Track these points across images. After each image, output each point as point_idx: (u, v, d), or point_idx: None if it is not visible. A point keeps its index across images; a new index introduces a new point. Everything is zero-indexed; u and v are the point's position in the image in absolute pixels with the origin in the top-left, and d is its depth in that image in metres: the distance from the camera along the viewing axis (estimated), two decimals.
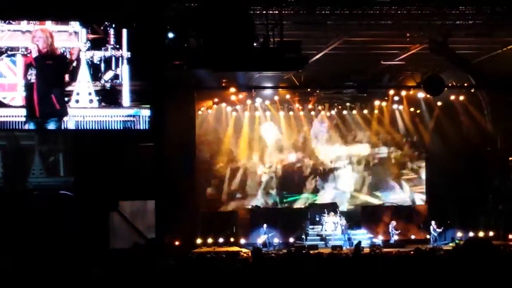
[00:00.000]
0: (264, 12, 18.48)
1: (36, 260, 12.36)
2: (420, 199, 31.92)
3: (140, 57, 16.02)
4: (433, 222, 28.54)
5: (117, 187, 16.48)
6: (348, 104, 31.08)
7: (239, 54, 16.33)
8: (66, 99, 15.86)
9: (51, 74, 15.73)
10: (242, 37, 16.00)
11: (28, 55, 15.66)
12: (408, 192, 32.05)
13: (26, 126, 15.96)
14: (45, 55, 15.54)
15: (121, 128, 16.09)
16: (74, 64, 15.91)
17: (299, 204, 31.55)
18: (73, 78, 15.95)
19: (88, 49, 15.91)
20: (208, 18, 15.98)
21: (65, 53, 15.87)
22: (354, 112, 31.30)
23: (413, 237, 29.53)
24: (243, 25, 15.97)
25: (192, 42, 16.59)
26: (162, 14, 16.88)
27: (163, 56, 16.49)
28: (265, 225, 28.38)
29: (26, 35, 15.92)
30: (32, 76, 15.62)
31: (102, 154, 16.45)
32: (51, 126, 15.82)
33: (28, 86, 15.63)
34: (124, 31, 16.04)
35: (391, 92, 30.07)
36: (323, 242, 27.89)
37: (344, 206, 31.11)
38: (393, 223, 28.93)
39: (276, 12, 18.53)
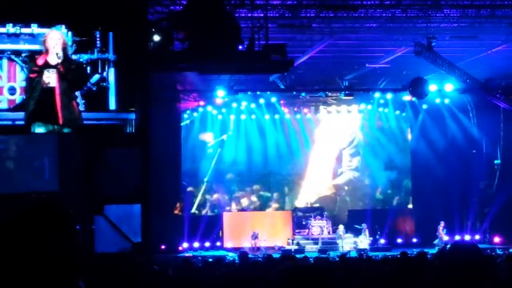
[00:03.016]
0: (249, 15, 18.48)
1: (20, 264, 12.23)
2: (405, 202, 31.96)
3: (125, 60, 15.92)
4: (441, 223, 28.58)
5: (102, 191, 16.37)
6: (334, 106, 31.09)
7: (224, 57, 16.29)
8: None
9: (74, 79, 15.52)
10: (227, 40, 15.96)
11: (38, 56, 15.39)
12: (393, 196, 32.10)
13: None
14: (69, 59, 15.36)
15: (108, 131, 15.98)
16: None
17: (286, 207, 31.57)
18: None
19: (74, 52, 15.79)
20: (193, 21, 15.93)
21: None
22: (340, 115, 31.31)
23: (399, 240, 29.56)
24: (228, 28, 15.94)
25: (177, 45, 16.55)
26: (147, 18, 16.81)
27: (148, 60, 16.41)
28: (256, 230, 28.35)
29: (12, 38, 15.78)
30: (51, 79, 15.32)
31: (87, 158, 16.32)
32: (40, 129, 15.63)
33: (47, 90, 15.29)
34: (111, 34, 15.93)
35: (377, 95, 30.10)
36: (309, 246, 27.84)
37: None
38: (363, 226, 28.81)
39: (261, 15, 18.52)
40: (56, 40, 15.21)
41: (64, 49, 15.22)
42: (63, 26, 15.56)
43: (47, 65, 15.15)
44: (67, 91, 15.26)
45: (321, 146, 31.88)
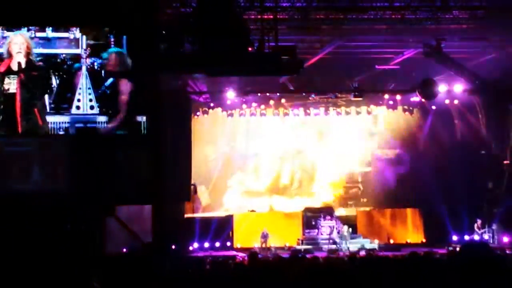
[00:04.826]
0: (259, 16, 18.57)
1: (32, 266, 12.39)
2: (414, 203, 31.96)
3: (136, 63, 16.01)
4: (478, 221, 28.60)
5: (114, 192, 16.51)
6: (343, 108, 31.17)
7: (234, 59, 16.38)
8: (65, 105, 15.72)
9: (36, 86, 15.47)
10: (237, 42, 16.06)
11: (4, 60, 15.33)
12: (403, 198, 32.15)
13: None
14: (32, 65, 15.31)
15: (123, 133, 16.05)
16: (53, 81, 15.63)
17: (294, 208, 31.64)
18: (72, 85, 15.81)
19: (88, 56, 15.85)
20: (203, 24, 16.04)
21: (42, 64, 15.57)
22: (349, 116, 31.40)
23: (408, 240, 29.60)
24: (237, 30, 16.04)
25: (187, 47, 16.65)
26: (157, 20, 16.92)
27: (158, 62, 16.52)
28: (265, 229, 28.41)
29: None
30: (11, 85, 15.28)
31: (98, 160, 16.46)
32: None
33: (8, 97, 15.22)
34: (124, 38, 16.00)
35: (386, 96, 30.17)
36: (319, 247, 27.91)
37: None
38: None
39: (271, 17, 18.61)
40: (20, 45, 15.18)
41: (28, 54, 15.19)
42: (29, 30, 15.53)
43: (9, 71, 15.08)
44: (27, 99, 15.19)
45: (332, 153, 31.93)
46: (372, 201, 31.95)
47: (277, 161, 31.89)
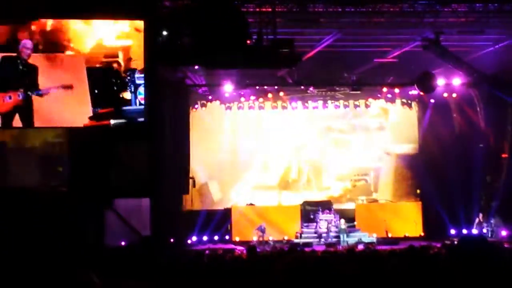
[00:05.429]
0: (258, 9, 18.54)
1: (31, 259, 12.39)
2: (413, 196, 31.99)
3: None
4: (480, 215, 28.59)
5: (112, 185, 16.51)
6: (341, 101, 31.15)
7: (232, 52, 16.37)
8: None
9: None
10: (235, 34, 16.05)
11: None
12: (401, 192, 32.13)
13: None
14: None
15: (117, 126, 16.05)
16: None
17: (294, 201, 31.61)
18: None
19: None
20: (201, 16, 16.02)
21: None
22: (348, 109, 31.37)
23: (407, 234, 29.60)
24: (236, 22, 16.04)
25: (185, 40, 16.63)
26: (156, 12, 16.93)
27: (156, 54, 16.52)
28: (263, 223, 28.37)
29: None
30: None
31: (96, 152, 16.45)
32: None
33: None
34: None
35: (384, 89, 30.15)
36: (317, 240, 27.89)
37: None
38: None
39: (270, 9, 18.58)
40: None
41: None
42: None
43: None
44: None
45: (331, 147, 31.90)
46: (380, 195, 31.91)
47: (285, 156, 31.84)
